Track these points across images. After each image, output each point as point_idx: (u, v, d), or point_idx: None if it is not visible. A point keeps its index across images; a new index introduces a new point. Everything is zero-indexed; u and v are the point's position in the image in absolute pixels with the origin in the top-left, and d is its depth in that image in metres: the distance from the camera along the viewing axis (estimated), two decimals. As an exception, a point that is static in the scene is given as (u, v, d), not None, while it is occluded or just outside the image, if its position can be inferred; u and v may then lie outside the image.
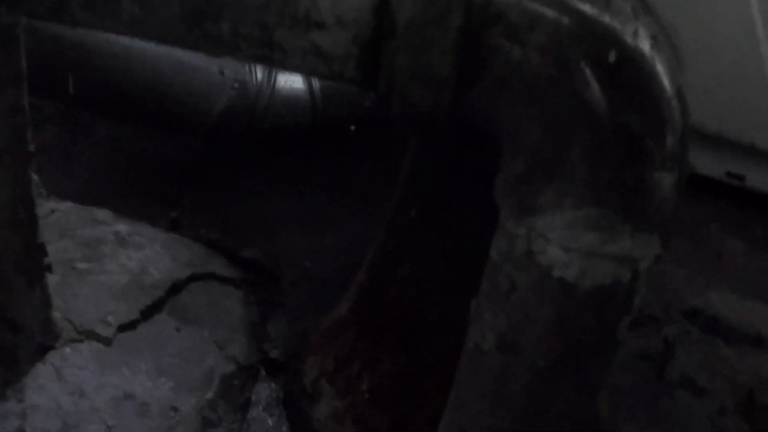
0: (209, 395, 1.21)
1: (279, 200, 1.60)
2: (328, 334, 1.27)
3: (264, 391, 1.27)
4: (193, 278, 1.32)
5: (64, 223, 1.31)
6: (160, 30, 0.85)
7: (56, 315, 1.18)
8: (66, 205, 1.36)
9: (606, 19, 0.79)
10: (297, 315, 1.38)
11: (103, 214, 1.35)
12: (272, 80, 1.64)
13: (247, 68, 1.62)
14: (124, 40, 1.50)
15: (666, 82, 0.80)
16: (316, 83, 1.65)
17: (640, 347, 1.47)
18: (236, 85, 1.61)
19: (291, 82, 1.65)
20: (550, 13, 0.78)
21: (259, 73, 1.63)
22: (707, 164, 1.74)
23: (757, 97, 1.64)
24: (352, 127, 1.72)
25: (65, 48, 1.49)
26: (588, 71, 0.78)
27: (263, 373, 1.29)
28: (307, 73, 0.84)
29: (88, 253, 1.27)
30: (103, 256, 1.27)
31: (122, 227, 1.33)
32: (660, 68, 0.80)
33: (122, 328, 1.21)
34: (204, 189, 1.59)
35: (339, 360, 1.23)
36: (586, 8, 0.79)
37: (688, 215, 1.68)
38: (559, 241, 0.82)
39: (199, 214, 1.52)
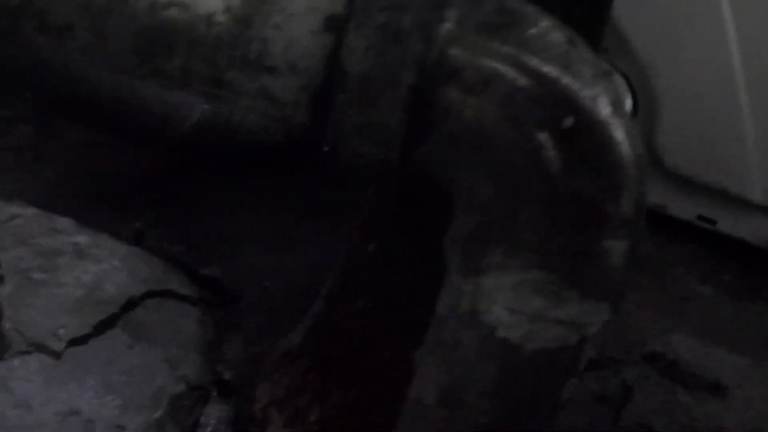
0: (157, 415, 1.19)
1: (246, 218, 1.58)
2: (280, 362, 1.25)
3: (214, 413, 1.26)
4: (150, 295, 1.31)
5: (24, 231, 1.30)
6: (111, 60, 0.85)
7: (6, 325, 1.17)
8: (29, 211, 1.35)
9: (565, 81, 0.78)
10: (253, 337, 1.36)
11: (64, 222, 1.34)
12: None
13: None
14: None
15: (624, 149, 0.80)
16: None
17: (598, 389, 1.46)
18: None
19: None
20: (507, 72, 0.77)
21: (237, 85, 1.62)
22: (679, 207, 1.74)
23: (731, 143, 1.63)
24: (326, 148, 1.71)
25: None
26: (543, 135, 0.77)
27: (215, 394, 1.28)
28: (258, 115, 0.82)
29: (44, 263, 1.25)
30: (60, 267, 1.26)
31: (82, 238, 1.32)
32: (618, 135, 0.79)
33: (73, 342, 1.20)
34: (170, 201, 1.57)
35: (290, 389, 1.22)
36: (545, 69, 0.77)
37: (656, 257, 1.68)
38: (505, 302, 0.81)
39: (164, 227, 1.51)
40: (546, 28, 0.78)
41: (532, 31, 0.78)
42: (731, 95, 1.60)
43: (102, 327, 1.24)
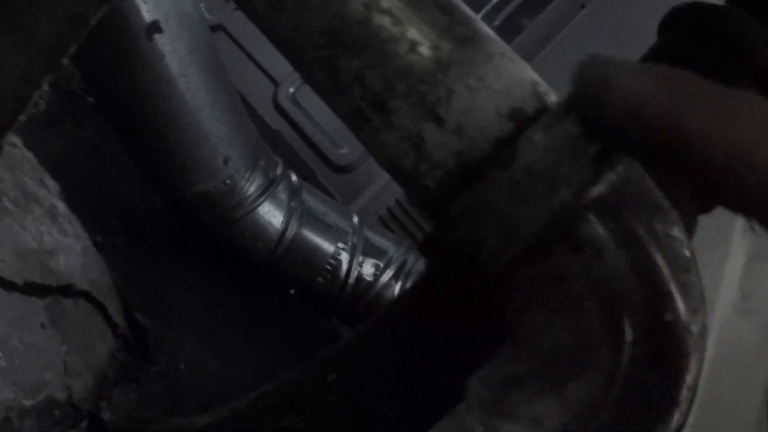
0: (28, 403, 1.06)
1: (194, 302, 1.50)
2: (170, 434, 1.14)
3: (74, 440, 1.12)
4: (87, 298, 1.21)
5: (16, 162, 1.21)
6: (297, 34, 0.81)
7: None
8: (27, 153, 1.26)
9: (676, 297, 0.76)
10: (147, 403, 1.24)
11: (53, 183, 1.25)
12: (257, 199, 1.59)
13: (246, 176, 1.58)
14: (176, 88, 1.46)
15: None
16: (292, 229, 1.61)
17: None
18: (228, 182, 1.56)
19: (271, 215, 1.61)
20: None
21: (252, 187, 1.59)
22: None
23: None
24: (292, 291, 1.66)
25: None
26: (628, 328, 0.74)
27: (84, 425, 1.15)
28: (387, 159, 0.78)
29: (19, 199, 1.16)
30: (31, 213, 1.16)
31: (61, 207, 1.23)
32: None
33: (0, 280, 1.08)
34: (140, 243, 1.49)
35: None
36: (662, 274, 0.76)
37: None
38: (511, 460, 0.75)
39: (120, 258, 1.42)
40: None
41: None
42: None
43: (31, 289, 1.12)
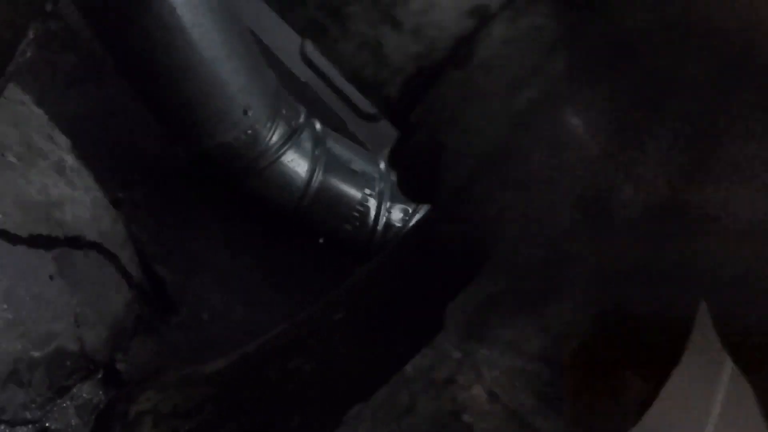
0: (37, 354, 1.06)
1: (219, 251, 1.49)
2: (182, 381, 1.13)
3: (88, 391, 1.12)
4: (98, 249, 1.20)
5: (23, 118, 1.21)
6: None
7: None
8: (36, 110, 1.26)
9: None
10: (165, 351, 1.24)
11: (62, 138, 1.25)
12: (280, 148, 1.56)
13: (267, 126, 1.56)
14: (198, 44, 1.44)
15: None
16: (317, 177, 1.58)
17: None
18: (249, 132, 1.53)
19: (295, 163, 1.58)
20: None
21: (275, 137, 1.56)
22: None
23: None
24: (321, 240, 1.64)
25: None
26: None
27: (99, 376, 1.15)
28: (348, 71, 0.75)
29: (24, 153, 1.15)
30: (36, 166, 1.16)
31: (70, 159, 1.23)
32: None
33: (3, 234, 1.08)
34: (161, 196, 1.49)
35: (178, 410, 1.09)
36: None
37: None
38: (489, 385, 0.72)
39: (141, 213, 1.41)
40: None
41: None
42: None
43: (37, 241, 1.12)
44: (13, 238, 1.09)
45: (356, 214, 1.58)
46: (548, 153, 0.67)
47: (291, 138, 1.55)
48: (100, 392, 1.14)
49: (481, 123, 0.67)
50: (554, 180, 0.67)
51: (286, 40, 1.85)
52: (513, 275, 0.71)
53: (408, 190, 0.78)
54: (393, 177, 1.59)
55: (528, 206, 0.69)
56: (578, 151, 0.67)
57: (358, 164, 1.60)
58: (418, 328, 0.92)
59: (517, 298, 0.71)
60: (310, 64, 1.87)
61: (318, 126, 1.61)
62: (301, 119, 1.58)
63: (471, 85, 0.67)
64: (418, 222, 1.34)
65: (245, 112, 1.50)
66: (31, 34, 1.02)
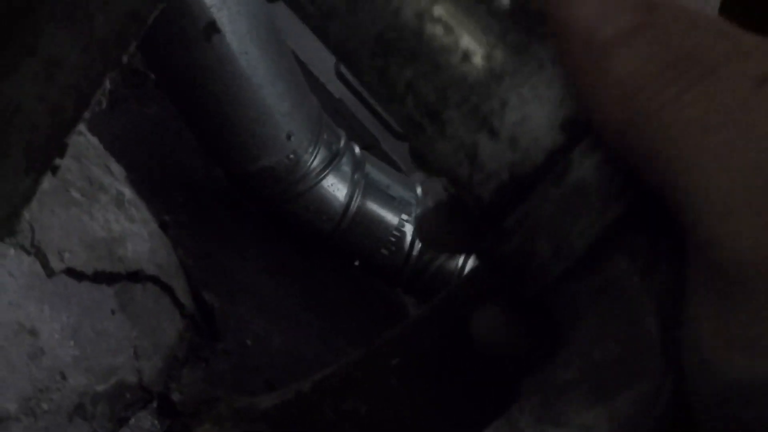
0: (100, 388, 1.10)
1: (259, 274, 1.53)
2: (237, 416, 1.17)
3: (145, 421, 1.16)
4: (155, 281, 1.24)
5: (82, 151, 1.24)
6: (350, 43, 0.81)
7: (26, 215, 1.09)
8: (93, 139, 1.29)
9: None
10: (214, 380, 1.28)
11: (118, 168, 1.28)
12: (321, 173, 1.60)
13: (309, 150, 1.60)
14: (241, 63, 1.47)
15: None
16: (356, 202, 1.62)
17: None
18: (292, 156, 1.57)
19: (335, 188, 1.62)
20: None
21: (315, 161, 1.60)
22: None
23: None
24: (356, 263, 1.68)
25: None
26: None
27: (155, 405, 1.19)
28: (443, 168, 0.78)
29: (86, 188, 1.19)
30: (98, 201, 1.19)
31: (127, 192, 1.26)
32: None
33: (70, 272, 1.11)
34: (203, 218, 1.52)
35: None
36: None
37: None
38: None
39: (185, 235, 1.45)
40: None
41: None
42: None
43: (101, 277, 1.16)
44: (78, 276, 1.12)
45: (393, 239, 1.62)
46: (629, 260, 0.72)
47: (332, 162, 1.59)
48: (156, 421, 1.18)
49: (572, 237, 0.71)
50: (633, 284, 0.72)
51: (321, 57, 1.88)
52: (589, 368, 0.75)
53: (496, 288, 0.82)
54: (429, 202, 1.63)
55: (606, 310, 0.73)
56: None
57: (396, 190, 1.64)
58: (482, 389, 0.96)
59: (591, 389, 0.75)
60: (345, 81, 1.90)
61: (357, 150, 1.65)
62: (342, 144, 1.62)
63: (565, 203, 0.71)
64: (469, 279, 1.38)
65: (288, 137, 1.54)
66: (107, 84, 1.05)
